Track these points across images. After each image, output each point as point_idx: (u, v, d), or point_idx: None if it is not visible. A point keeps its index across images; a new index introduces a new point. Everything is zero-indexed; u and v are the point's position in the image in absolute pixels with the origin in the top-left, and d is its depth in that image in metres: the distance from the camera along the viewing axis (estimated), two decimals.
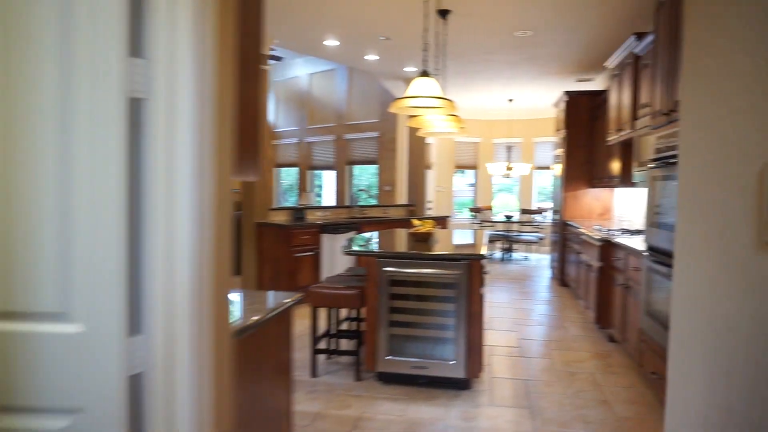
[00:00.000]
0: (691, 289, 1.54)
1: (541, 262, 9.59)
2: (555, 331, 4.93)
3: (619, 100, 4.97)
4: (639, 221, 5.58)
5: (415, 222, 4.37)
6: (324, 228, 6.12)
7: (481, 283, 3.37)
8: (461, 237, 4.57)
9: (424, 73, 3.58)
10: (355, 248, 3.65)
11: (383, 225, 6.95)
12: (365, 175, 11.72)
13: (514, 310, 5.78)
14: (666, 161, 2.98)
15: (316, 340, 3.70)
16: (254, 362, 1.77)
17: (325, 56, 7.06)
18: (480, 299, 3.36)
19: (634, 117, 4.44)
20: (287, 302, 1.97)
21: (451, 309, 3.39)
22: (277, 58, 9.84)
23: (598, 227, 5.49)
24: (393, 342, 3.51)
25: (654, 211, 3.23)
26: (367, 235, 4.99)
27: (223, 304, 1.31)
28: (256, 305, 1.88)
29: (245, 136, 1.57)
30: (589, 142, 7.01)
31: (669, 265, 2.88)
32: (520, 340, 4.59)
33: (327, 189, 12.07)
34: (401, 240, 4.27)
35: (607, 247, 4.52)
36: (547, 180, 11.71)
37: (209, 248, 1.21)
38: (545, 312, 5.70)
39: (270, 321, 1.81)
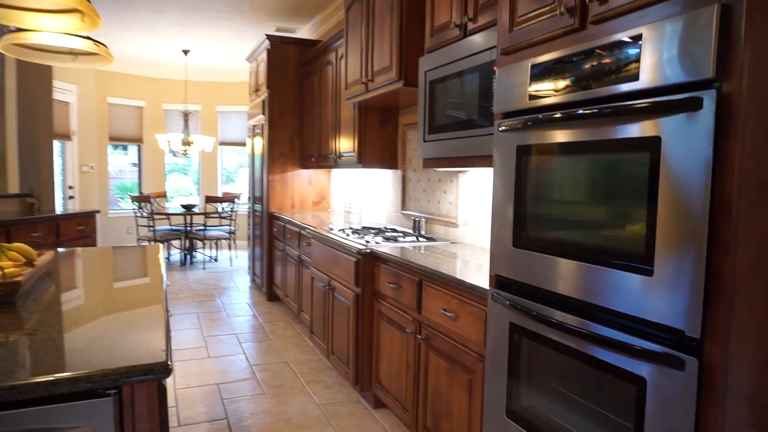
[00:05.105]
0: None
1: (234, 262, 7.57)
2: (290, 402, 3.02)
3: (369, 34, 3.32)
4: (377, 216, 4.12)
5: None
6: None
7: None
8: (113, 279, 2.19)
9: None
10: None
11: None
12: None
13: (211, 363, 3.63)
14: (552, 115, 1.37)
15: None
16: None
17: None
18: None
19: (410, 52, 2.84)
20: None
21: None
22: None
23: (332, 226, 3.80)
24: None
25: (517, 210, 1.62)
26: None
27: None
28: None
29: None
30: (300, 108, 5.30)
31: (578, 332, 1.28)
32: None
33: None
34: None
35: (370, 262, 2.84)
36: (235, 159, 9.68)
37: None
38: (261, 359, 3.73)
39: None
